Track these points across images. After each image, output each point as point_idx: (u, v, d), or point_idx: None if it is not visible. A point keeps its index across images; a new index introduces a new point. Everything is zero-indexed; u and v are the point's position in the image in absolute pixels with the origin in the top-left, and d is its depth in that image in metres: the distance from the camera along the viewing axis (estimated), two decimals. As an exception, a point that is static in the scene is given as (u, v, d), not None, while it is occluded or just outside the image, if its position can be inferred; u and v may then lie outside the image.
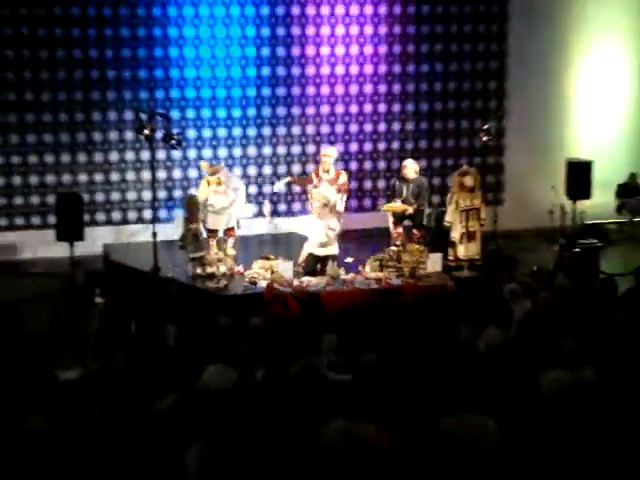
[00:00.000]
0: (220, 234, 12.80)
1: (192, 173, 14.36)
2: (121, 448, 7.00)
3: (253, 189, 15.15)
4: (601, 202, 15.33)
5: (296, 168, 15.33)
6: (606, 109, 16.53)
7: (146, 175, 14.36)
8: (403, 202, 13.21)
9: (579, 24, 16.14)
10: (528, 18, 15.79)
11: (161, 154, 14.18)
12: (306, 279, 12.25)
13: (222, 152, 15.04)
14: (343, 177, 13.13)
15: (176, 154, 14.51)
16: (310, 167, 14.33)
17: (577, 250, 13.58)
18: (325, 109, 15.43)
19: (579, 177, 14.44)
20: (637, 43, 16.50)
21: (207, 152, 14.80)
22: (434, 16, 15.56)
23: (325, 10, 15.15)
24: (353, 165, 15.48)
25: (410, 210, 13.09)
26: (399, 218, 13.21)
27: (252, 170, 15.25)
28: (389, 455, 7.19)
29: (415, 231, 13.16)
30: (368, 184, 15.58)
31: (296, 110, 15.33)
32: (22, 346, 9.50)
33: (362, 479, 7.16)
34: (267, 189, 15.30)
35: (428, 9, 15.52)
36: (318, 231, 12.52)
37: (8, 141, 14.44)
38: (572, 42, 16.21)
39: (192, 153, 14.76)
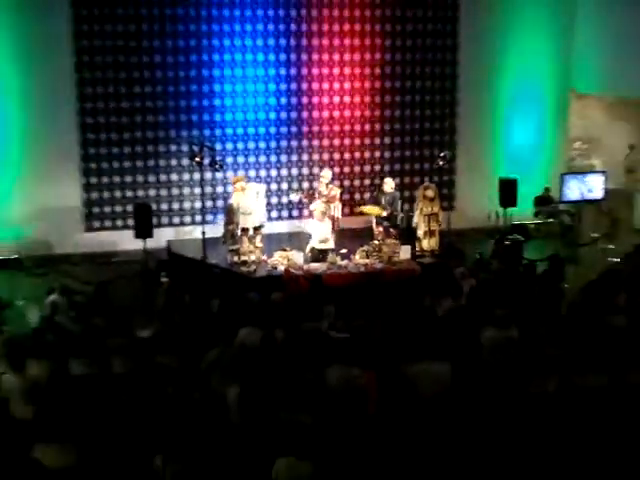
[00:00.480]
0: (250, 232, 12.73)
1: (230, 188, 14.14)
2: (179, 387, 6.99)
3: (275, 199, 15.15)
4: (524, 208, 15.33)
5: (305, 184, 15.33)
6: (528, 141, 16.50)
7: (197, 190, 14.36)
8: (382, 209, 13.22)
9: (508, 79, 16.21)
10: (472, 77, 15.80)
11: (208, 175, 14.08)
12: (312, 265, 12.33)
13: (252, 173, 14.96)
14: (333, 192, 13.16)
15: (218, 175, 14.43)
16: (315, 184, 14.10)
17: (507, 243, 13.58)
18: (326, 142, 15.44)
19: (508, 190, 14.44)
20: (556, 100, 16.63)
21: (241, 173, 14.65)
22: (404, 75, 15.59)
23: (325, 70, 15.16)
24: (346, 182, 15.45)
25: (384, 213, 13.07)
26: (380, 220, 13.18)
27: (274, 186, 15.19)
28: (374, 389, 7.23)
29: (391, 230, 13.13)
30: (357, 195, 15.52)
31: (305, 142, 15.34)
32: (111, 312, 9.46)
33: (354, 406, 7.24)
34: (284, 199, 15.32)
35: (400, 69, 15.54)
36: (318, 231, 12.57)
37: (100, 167, 14.42)
38: (501, 92, 16.25)
39: (230, 174, 14.61)
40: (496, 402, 7.48)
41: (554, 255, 12.11)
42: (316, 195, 13.17)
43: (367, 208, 13.41)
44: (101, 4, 13.92)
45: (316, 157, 15.39)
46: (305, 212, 14.82)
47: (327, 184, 13.13)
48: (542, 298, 9.91)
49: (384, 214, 13.11)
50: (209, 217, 14.30)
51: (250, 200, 12.76)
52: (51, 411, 6.93)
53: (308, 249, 12.64)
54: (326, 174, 13.36)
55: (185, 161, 14.43)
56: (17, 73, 13.82)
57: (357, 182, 15.53)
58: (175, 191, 14.81)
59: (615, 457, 6.50)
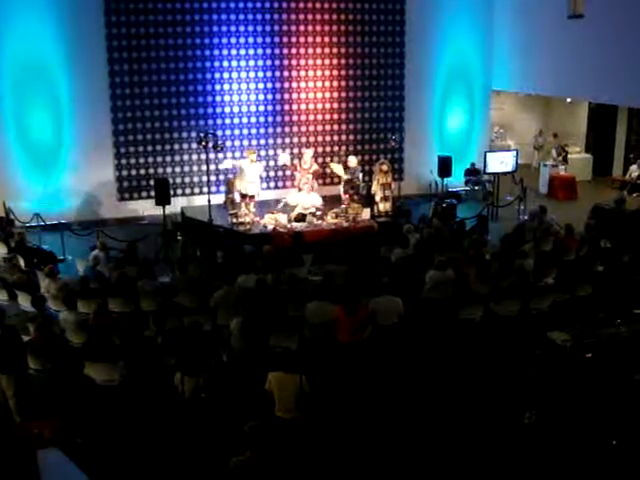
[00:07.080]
0: (247, 199, 12.60)
1: (228, 165, 13.88)
2: (193, 321, 6.96)
3: (264, 174, 14.65)
4: (456, 178, 15.30)
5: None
6: (460, 127, 16.36)
7: (203, 167, 14.02)
8: (347, 181, 13.14)
9: (444, 80, 16.04)
10: (415, 78, 15.60)
11: (211, 155, 13.65)
12: (294, 224, 12.23)
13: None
14: (315, 167, 13.25)
15: (220, 155, 14.16)
16: (295, 161, 13.82)
17: (444, 205, 13.56)
18: (303, 129, 15.18)
19: (444, 165, 14.40)
20: (480, 95, 16.49)
21: (237, 154, 14.55)
22: (364, 77, 15.33)
23: (302, 72, 14.86)
24: (320, 159, 14.97)
25: (345, 177, 13.10)
26: (347, 189, 13.11)
27: (262, 163, 14.57)
28: (343, 319, 7.24)
29: (355, 196, 13.05)
30: (328, 170, 14.95)
31: (287, 129, 15.08)
32: (139, 263, 9.39)
33: (328, 332, 7.21)
34: (272, 173, 15.08)
35: (360, 73, 15.30)
36: (302, 199, 12.50)
37: (128, 151, 14.19)
38: (438, 90, 16.07)
39: (229, 155, 14.43)
40: (436, 326, 7.60)
41: (480, 214, 12.17)
42: (298, 169, 13.08)
43: (333, 164, 13.51)
44: (130, 26, 13.71)
45: (295, 140, 15.13)
46: (288, 184, 14.71)
47: (308, 160, 13.08)
48: (469, 247, 9.92)
49: (345, 177, 13.13)
50: (213, 188, 14.07)
51: (255, 172, 12.70)
52: (97, 338, 6.94)
53: (294, 213, 12.51)
54: (307, 151, 13.35)
55: (194, 145, 14.13)
56: (65, 82, 13.55)
57: (328, 159, 15.20)
58: (187, 168, 14.59)
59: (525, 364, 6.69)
